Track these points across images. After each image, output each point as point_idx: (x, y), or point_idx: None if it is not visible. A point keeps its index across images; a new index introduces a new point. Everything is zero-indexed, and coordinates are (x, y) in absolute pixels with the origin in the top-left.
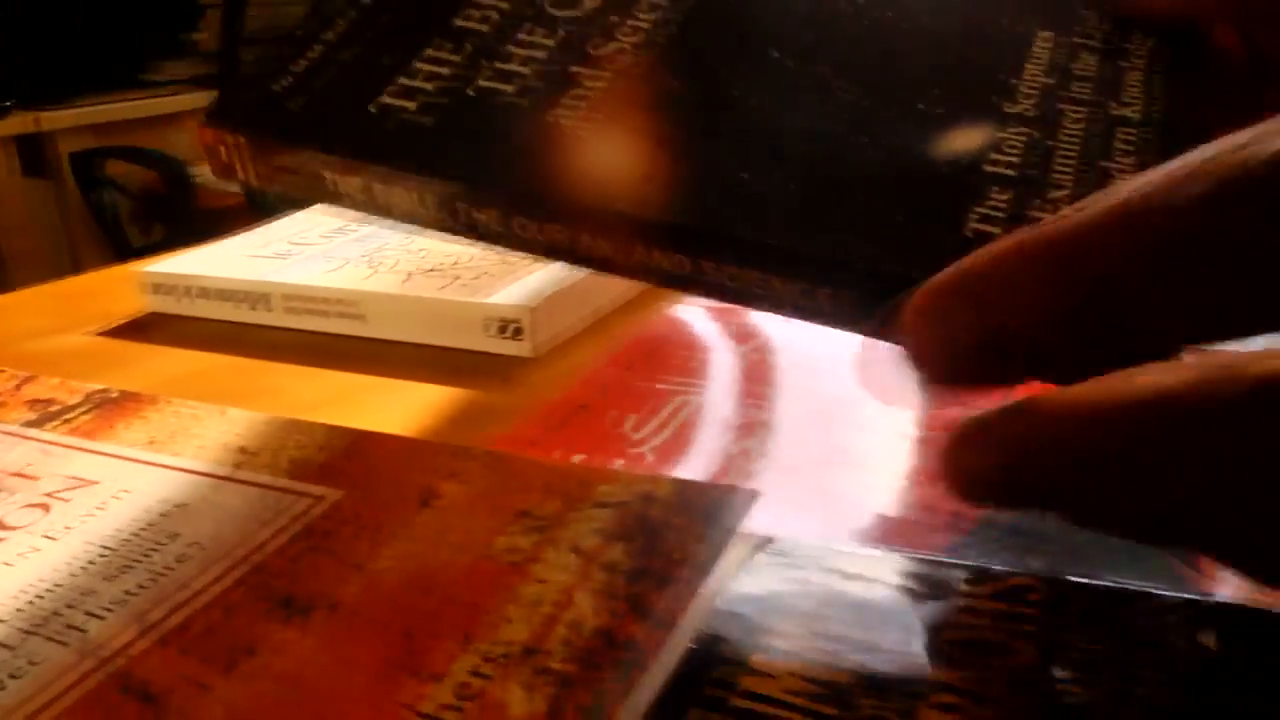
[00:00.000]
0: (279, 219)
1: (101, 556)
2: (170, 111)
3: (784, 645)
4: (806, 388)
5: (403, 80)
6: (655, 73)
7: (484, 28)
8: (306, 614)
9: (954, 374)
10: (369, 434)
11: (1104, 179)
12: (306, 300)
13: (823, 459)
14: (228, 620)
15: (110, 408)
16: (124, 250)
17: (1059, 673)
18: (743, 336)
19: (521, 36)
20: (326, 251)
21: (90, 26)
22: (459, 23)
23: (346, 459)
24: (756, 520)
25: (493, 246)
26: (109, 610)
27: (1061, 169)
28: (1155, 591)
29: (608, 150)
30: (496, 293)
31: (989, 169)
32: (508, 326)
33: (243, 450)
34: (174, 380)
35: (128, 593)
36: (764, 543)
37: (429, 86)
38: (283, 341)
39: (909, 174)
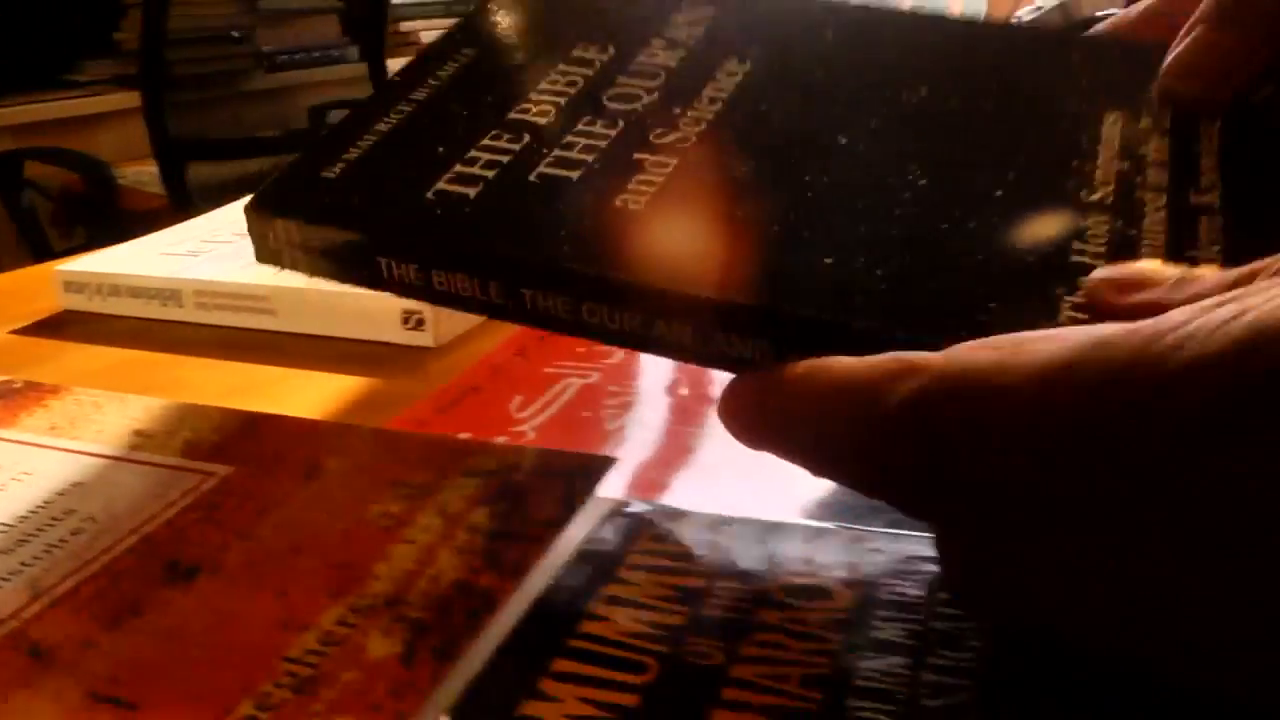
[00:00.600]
0: (198, 219)
1: (1, 533)
2: (93, 112)
3: (626, 594)
4: (684, 368)
5: (459, 168)
6: (721, 156)
7: (542, 120)
8: (191, 577)
9: None
10: (261, 415)
11: (1192, 267)
12: (217, 296)
13: (689, 432)
14: (116, 585)
15: (14, 398)
16: (44, 253)
17: (877, 612)
18: None
19: (582, 127)
20: (238, 249)
21: (9, 26)
22: (515, 115)
23: (239, 439)
24: (618, 486)
25: (562, 332)
26: (6, 580)
27: (1148, 258)
28: None
29: (682, 233)
30: None
31: (1075, 259)
32: (410, 318)
33: (139, 433)
34: (86, 375)
35: (24, 564)
36: (620, 504)
37: (489, 174)
38: (194, 337)
39: (998, 260)
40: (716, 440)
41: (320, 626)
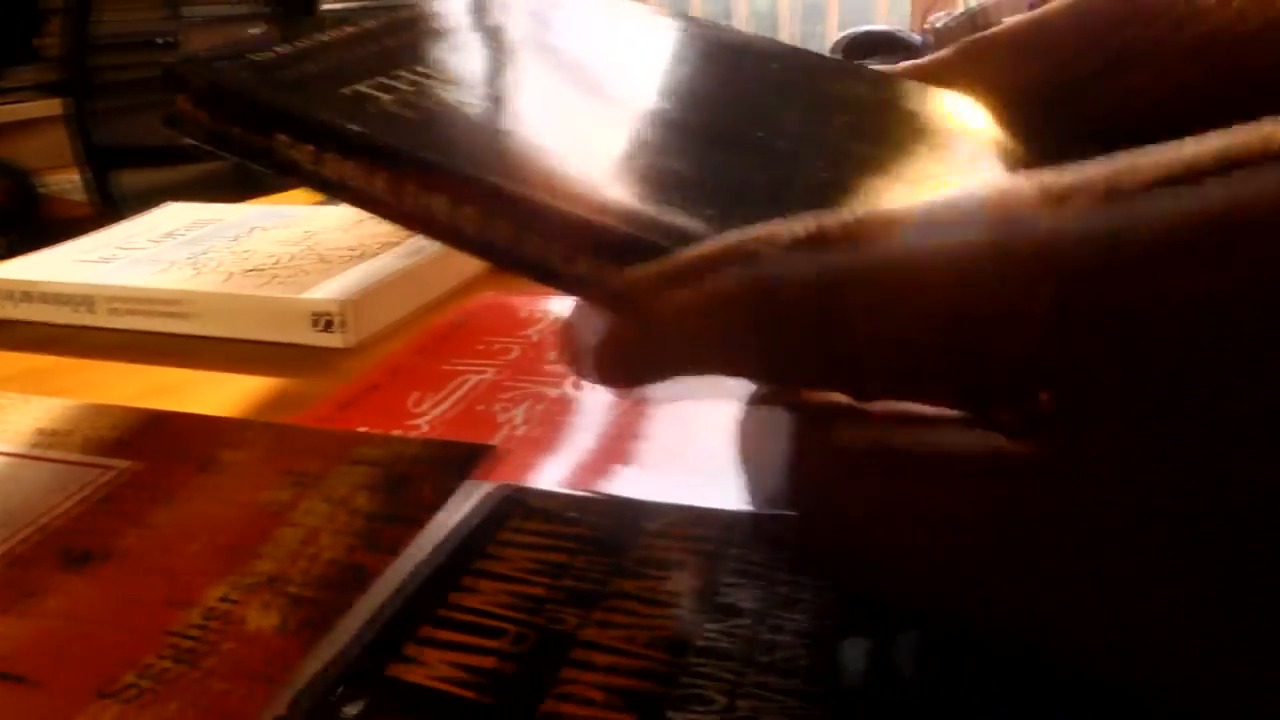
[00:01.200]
0: (116, 226)
1: None
2: (15, 120)
3: (494, 569)
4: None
5: (380, 80)
6: (639, 101)
7: (465, 67)
8: (85, 563)
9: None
10: (163, 413)
11: None
12: (130, 301)
13: (571, 421)
14: (12, 571)
15: None
16: None
17: (724, 579)
18: (528, 323)
19: (501, 77)
20: (153, 255)
21: None
22: (440, 58)
23: (139, 436)
24: (499, 472)
25: (433, 239)
26: None
27: None
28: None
29: (574, 150)
30: (313, 289)
31: None
32: (321, 320)
33: (43, 432)
34: None
35: None
36: (497, 488)
37: (403, 88)
38: (108, 341)
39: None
40: (594, 429)
41: (204, 603)
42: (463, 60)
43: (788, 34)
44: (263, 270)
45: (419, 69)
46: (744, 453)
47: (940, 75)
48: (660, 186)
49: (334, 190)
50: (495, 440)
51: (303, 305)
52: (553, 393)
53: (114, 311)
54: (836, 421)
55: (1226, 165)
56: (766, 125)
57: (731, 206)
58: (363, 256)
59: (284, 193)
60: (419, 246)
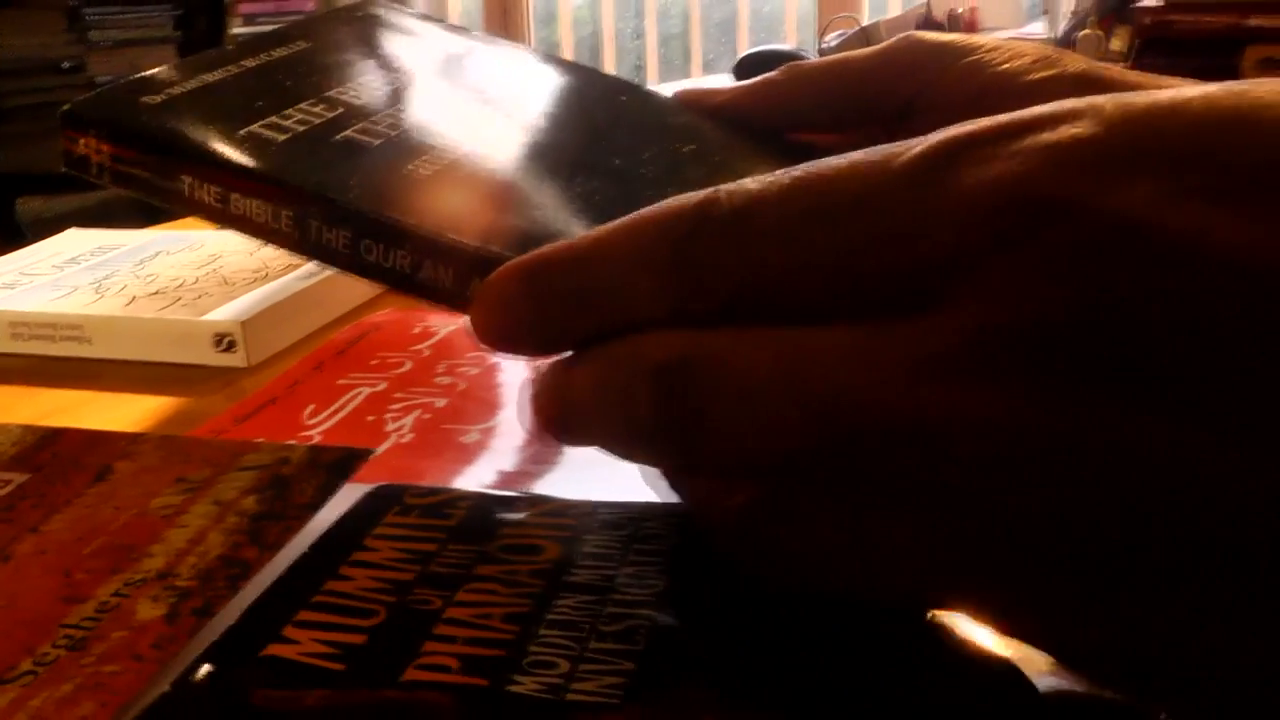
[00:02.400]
0: (18, 250)
1: None
2: None
3: (368, 559)
4: (463, 374)
5: (274, 120)
6: (494, 152)
7: (357, 101)
8: None
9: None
10: (59, 429)
11: None
12: (31, 326)
13: (454, 429)
14: None
15: None
16: None
17: (579, 562)
18: (421, 338)
19: (391, 110)
20: (56, 280)
21: None
22: (334, 93)
23: (35, 450)
24: (379, 474)
25: (336, 269)
26: None
27: None
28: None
29: (457, 184)
30: (215, 310)
31: None
32: (223, 340)
33: None
34: None
35: None
36: (376, 488)
37: (298, 129)
38: (9, 366)
39: None
40: (476, 436)
41: (97, 598)
42: (358, 91)
43: (699, 51)
44: (166, 293)
45: (314, 104)
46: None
47: (769, 94)
48: (539, 212)
49: (240, 226)
50: (382, 447)
51: (204, 327)
52: (440, 403)
53: (16, 336)
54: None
55: None
56: (623, 153)
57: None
58: (265, 278)
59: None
60: (320, 268)
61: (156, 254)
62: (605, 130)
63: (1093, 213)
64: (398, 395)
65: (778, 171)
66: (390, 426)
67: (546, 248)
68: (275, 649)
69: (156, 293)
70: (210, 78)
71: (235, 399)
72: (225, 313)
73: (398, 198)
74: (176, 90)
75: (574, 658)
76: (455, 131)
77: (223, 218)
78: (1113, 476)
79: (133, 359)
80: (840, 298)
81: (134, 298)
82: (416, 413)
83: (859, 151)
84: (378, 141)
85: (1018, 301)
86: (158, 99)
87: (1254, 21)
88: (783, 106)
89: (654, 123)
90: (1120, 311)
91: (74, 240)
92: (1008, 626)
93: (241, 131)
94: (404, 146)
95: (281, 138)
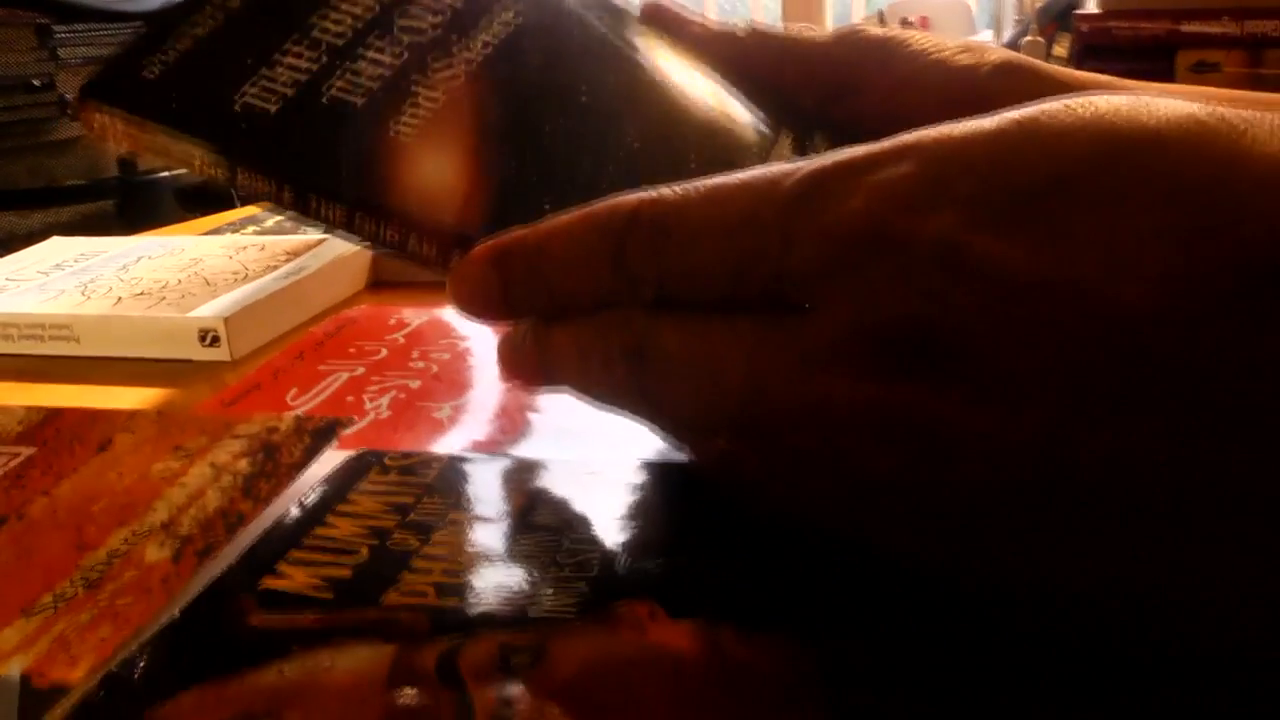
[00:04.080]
0: (4, 259)
1: None
2: None
3: (352, 510)
4: (436, 359)
5: (265, 77)
6: (480, 99)
7: (338, 41)
8: (2, 524)
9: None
10: (61, 408)
11: None
12: (20, 327)
13: (426, 406)
14: None
15: None
16: None
17: (537, 508)
18: (396, 328)
19: (373, 53)
20: (42, 285)
21: None
22: (317, 32)
23: (41, 427)
24: (361, 441)
25: (341, 236)
26: None
27: None
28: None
29: (435, 171)
30: (199, 308)
31: None
32: (207, 335)
33: None
34: None
35: None
36: (358, 452)
37: (289, 91)
38: (1, 367)
39: None
40: (445, 408)
41: (108, 546)
42: (339, 19)
43: None
44: (150, 294)
45: (298, 44)
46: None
47: (730, 45)
48: (512, 185)
49: (251, 199)
50: (362, 422)
51: (189, 323)
52: (414, 384)
53: (6, 337)
54: None
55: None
56: (589, 85)
57: (563, 194)
58: (246, 279)
59: (170, 225)
60: (299, 267)
61: (139, 259)
62: (572, 62)
63: (910, 242)
64: (375, 379)
65: (692, 184)
66: (368, 405)
67: (510, 235)
68: (270, 582)
69: (141, 294)
70: (199, 31)
71: (220, 391)
72: (209, 310)
73: (384, 177)
74: (171, 55)
75: (535, 583)
76: (434, 69)
77: (234, 187)
78: (923, 442)
79: (120, 356)
80: (740, 296)
81: (120, 299)
82: (392, 393)
83: (757, 171)
84: (361, 100)
85: (862, 311)
86: (156, 70)
87: (1186, 28)
88: (739, 61)
89: (615, 50)
90: (928, 319)
91: (57, 248)
92: (886, 552)
93: (237, 104)
94: (386, 102)
95: (274, 108)
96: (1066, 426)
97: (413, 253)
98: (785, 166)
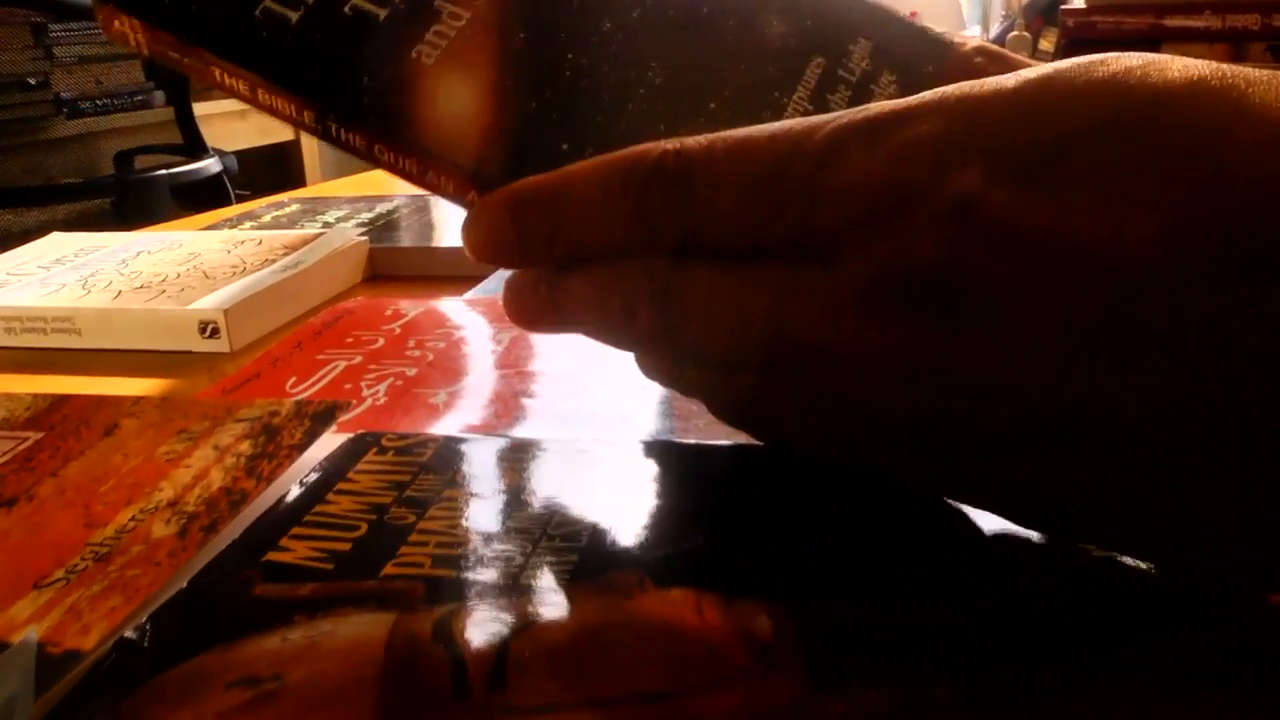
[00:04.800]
0: (4, 255)
1: None
2: None
3: (351, 488)
4: (431, 347)
5: None
6: (503, 23)
7: None
8: (11, 505)
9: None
10: (67, 395)
11: None
12: (24, 320)
13: (421, 393)
14: None
15: None
16: None
17: (528, 484)
18: (392, 319)
19: None
20: (43, 279)
21: None
22: None
23: (48, 413)
24: (359, 424)
25: (359, 157)
26: None
27: None
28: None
29: (455, 101)
30: (197, 301)
31: None
32: (207, 327)
33: None
34: None
35: None
36: (357, 434)
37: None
38: (3, 359)
39: None
40: (440, 394)
41: (116, 523)
42: None
43: None
44: (150, 287)
45: None
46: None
47: None
48: (531, 122)
49: (271, 115)
50: (360, 408)
51: (189, 315)
52: (410, 372)
53: (9, 330)
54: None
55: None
56: (615, 24)
57: (581, 135)
58: (244, 272)
59: (167, 223)
60: (296, 261)
61: (138, 253)
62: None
63: (934, 196)
64: (372, 367)
65: (718, 136)
66: (366, 392)
67: (527, 182)
68: (273, 555)
69: (141, 287)
70: None
71: (219, 380)
72: (208, 302)
73: (403, 103)
74: None
75: (527, 554)
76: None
77: (255, 105)
78: (945, 382)
79: (121, 348)
80: (767, 245)
81: (120, 292)
82: (389, 380)
83: (785, 123)
84: (384, 13)
85: (888, 260)
86: None
87: (1170, 22)
88: None
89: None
90: (951, 268)
91: (57, 243)
92: (908, 482)
93: (258, 11)
94: (410, 19)
95: (294, 15)
96: (1075, 369)
97: (430, 184)
98: (811, 121)
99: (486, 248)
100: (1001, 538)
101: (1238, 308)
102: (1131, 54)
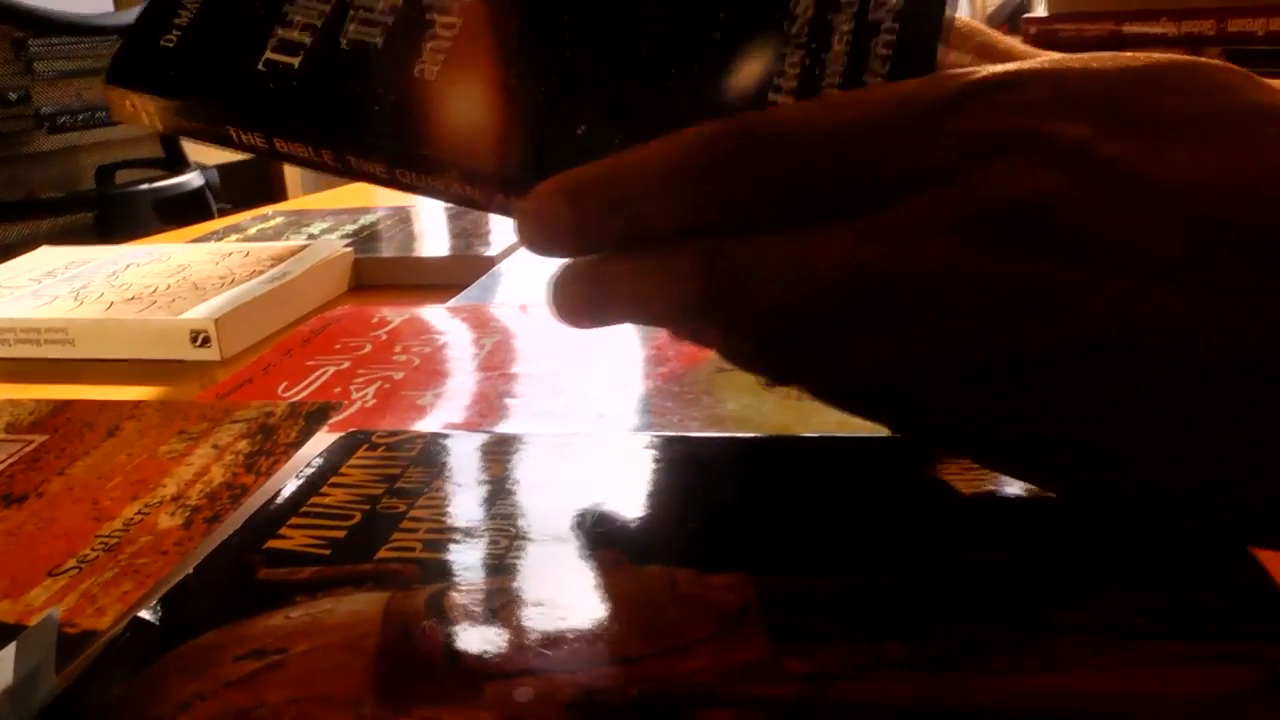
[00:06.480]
0: None
1: None
2: None
3: (345, 481)
4: (417, 352)
5: (280, 32)
6: (496, 19)
7: None
8: (21, 501)
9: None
10: (70, 400)
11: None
12: (17, 331)
13: (408, 395)
14: None
15: None
16: None
17: (513, 473)
18: (380, 325)
19: None
20: (35, 291)
21: None
22: None
23: (52, 417)
24: (351, 424)
25: (385, 185)
26: None
27: (830, 87)
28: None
29: (467, 108)
30: (188, 311)
31: (773, 97)
32: (198, 336)
33: None
34: None
35: None
36: (349, 432)
37: (306, 39)
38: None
39: (714, 112)
40: (427, 395)
41: (123, 516)
42: None
43: None
44: (141, 298)
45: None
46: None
47: None
48: (544, 112)
49: (291, 161)
50: (350, 410)
51: (180, 324)
52: (398, 375)
53: (2, 342)
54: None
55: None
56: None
57: (600, 121)
58: (234, 283)
59: (149, 237)
60: (284, 272)
61: (128, 266)
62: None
63: (1050, 139)
64: (360, 372)
65: (817, 100)
66: (355, 395)
67: (578, 169)
68: (274, 543)
69: (132, 298)
70: None
71: (212, 387)
72: (199, 312)
73: (417, 123)
74: (184, 18)
75: (511, 537)
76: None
77: (274, 156)
78: (1020, 297)
79: (114, 358)
80: (844, 203)
81: (112, 303)
82: (377, 384)
83: (888, 86)
84: (381, 40)
85: (1000, 188)
86: (172, 40)
87: (1128, 29)
88: None
89: None
90: (1059, 200)
91: (47, 257)
92: (944, 436)
93: (260, 64)
94: (406, 38)
95: (297, 62)
96: (1151, 291)
97: (457, 197)
98: (919, 81)
99: (541, 234)
100: (953, 513)
101: None
102: (1231, 65)
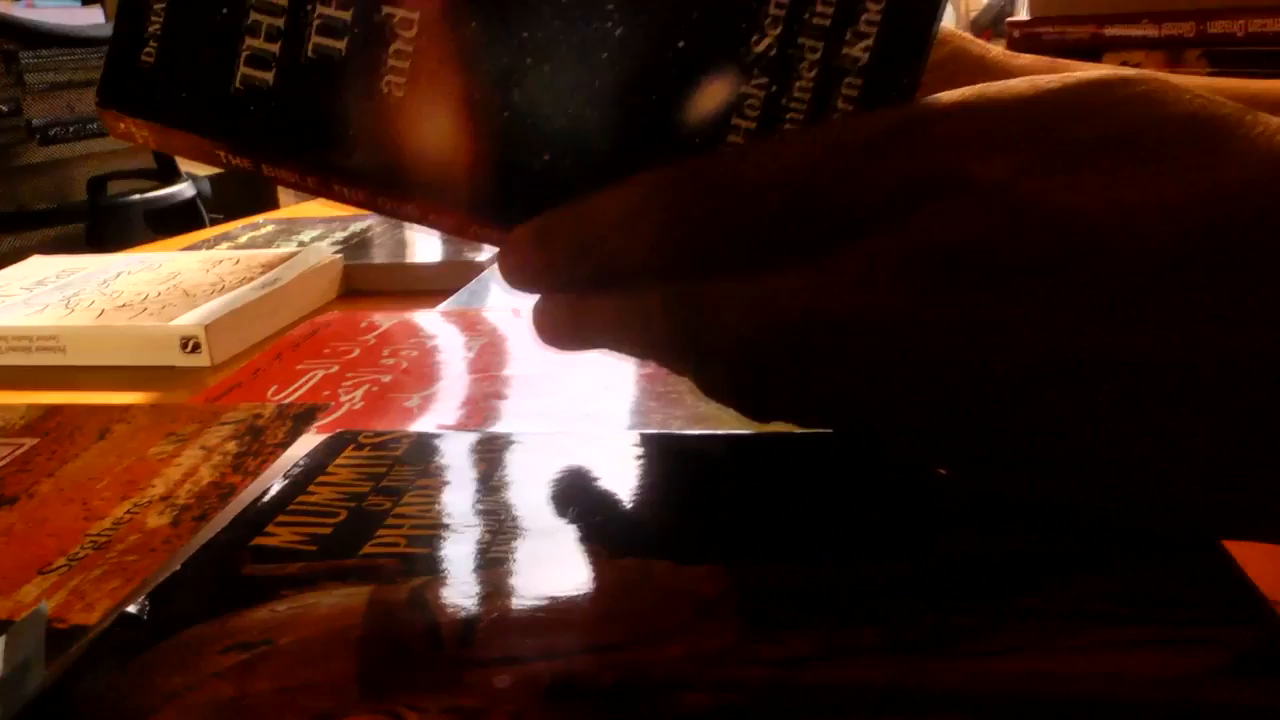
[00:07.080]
0: None
1: None
2: None
3: (332, 480)
4: (405, 356)
5: (250, 42)
6: (454, 22)
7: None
8: (13, 503)
9: (542, 284)
10: (60, 405)
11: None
12: (8, 339)
13: (394, 397)
14: None
15: None
16: None
17: (495, 472)
18: (368, 330)
19: None
20: (27, 299)
21: None
22: None
23: (43, 421)
24: (338, 425)
25: (365, 209)
26: None
27: (793, 124)
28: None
29: (435, 127)
30: (178, 318)
31: (731, 131)
32: (188, 342)
33: None
34: None
35: None
36: (336, 433)
37: (273, 49)
38: None
39: (672, 143)
40: (414, 398)
41: (113, 515)
42: None
43: None
44: (132, 305)
45: (261, 4)
46: None
47: None
48: (508, 133)
49: (279, 183)
50: (339, 412)
51: (171, 331)
52: (386, 379)
53: None
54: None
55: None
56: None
57: (563, 150)
58: (224, 290)
59: (140, 247)
60: (274, 279)
61: (119, 274)
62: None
63: (970, 182)
64: (349, 375)
65: (745, 145)
66: (344, 398)
67: (551, 213)
68: (260, 540)
69: (123, 305)
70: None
71: (202, 391)
72: (189, 318)
73: (390, 144)
74: (156, 25)
75: (494, 532)
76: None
77: (263, 176)
78: (986, 340)
79: (105, 364)
80: (801, 239)
81: (103, 311)
82: (365, 387)
83: (824, 125)
84: (343, 47)
85: (932, 235)
86: (151, 55)
87: (1109, 31)
88: None
89: None
90: (987, 243)
91: (39, 266)
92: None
93: (236, 82)
94: (367, 42)
95: (270, 76)
96: (1091, 326)
97: (433, 225)
98: (849, 123)
99: (516, 277)
100: (924, 504)
101: (1217, 289)
102: (1151, 74)
